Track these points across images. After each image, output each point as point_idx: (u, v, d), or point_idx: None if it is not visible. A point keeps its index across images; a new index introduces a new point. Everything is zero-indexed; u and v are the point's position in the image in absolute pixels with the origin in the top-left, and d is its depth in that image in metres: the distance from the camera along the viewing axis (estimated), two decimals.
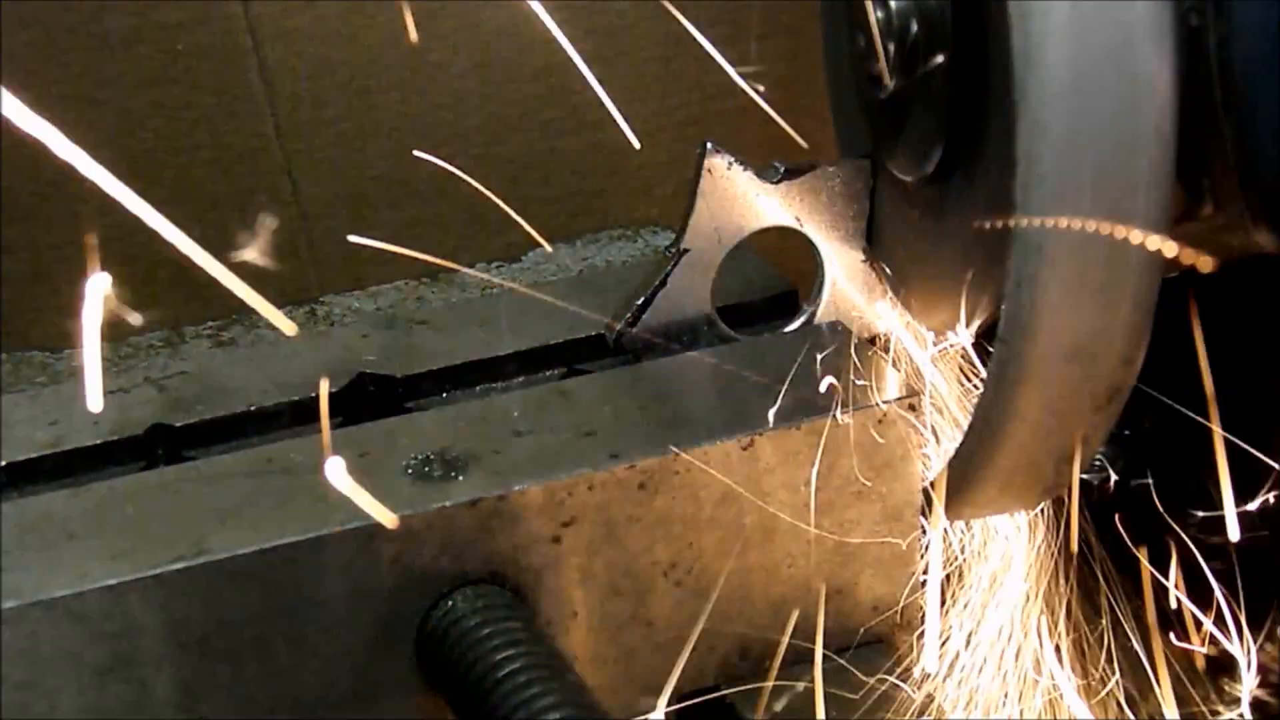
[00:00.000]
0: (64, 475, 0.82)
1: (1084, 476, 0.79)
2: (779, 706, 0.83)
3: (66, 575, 0.73)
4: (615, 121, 1.05)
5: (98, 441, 0.83)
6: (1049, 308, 0.72)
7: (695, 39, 1.05)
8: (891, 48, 0.81)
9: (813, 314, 0.89)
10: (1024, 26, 0.69)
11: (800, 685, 0.83)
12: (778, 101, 1.07)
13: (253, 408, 0.85)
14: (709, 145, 0.86)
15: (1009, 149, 0.71)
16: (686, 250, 0.86)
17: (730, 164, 0.86)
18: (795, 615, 0.84)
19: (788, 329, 0.89)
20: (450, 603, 0.77)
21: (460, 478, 0.78)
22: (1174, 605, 0.86)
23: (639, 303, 0.87)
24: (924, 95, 0.81)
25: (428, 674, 0.77)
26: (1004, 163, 0.72)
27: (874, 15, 0.81)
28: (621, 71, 1.06)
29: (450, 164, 1.06)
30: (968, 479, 0.79)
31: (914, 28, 0.80)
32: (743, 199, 0.86)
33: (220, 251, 1.06)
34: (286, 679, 0.76)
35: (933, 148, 0.82)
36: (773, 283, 0.92)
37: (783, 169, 0.87)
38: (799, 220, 0.88)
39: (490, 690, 0.73)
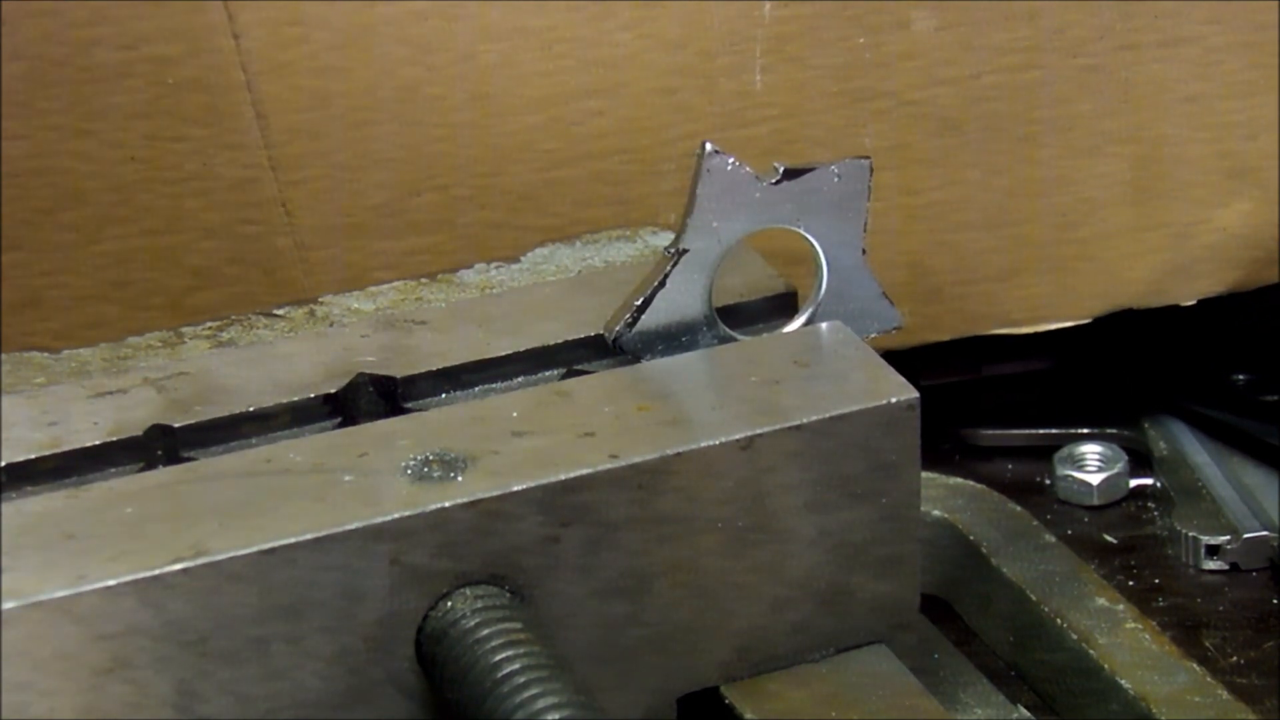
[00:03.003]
0: (63, 475, 0.82)
1: None
2: (779, 706, 0.83)
3: (66, 575, 0.73)
4: (616, 152, 1.04)
5: (97, 442, 0.83)
6: None
7: (698, 70, 1.05)
8: None
9: (812, 314, 0.89)
10: None
11: (799, 685, 0.84)
12: (783, 132, 1.06)
13: (251, 408, 0.85)
14: (708, 146, 0.85)
15: None
16: (686, 250, 0.86)
17: (730, 164, 0.86)
18: (795, 615, 0.84)
19: (787, 329, 0.89)
20: (450, 603, 0.77)
21: (459, 478, 0.78)
22: None
23: (638, 303, 0.87)
24: None
25: (427, 674, 0.77)
26: None
27: None
28: (623, 103, 1.06)
29: (448, 195, 1.05)
30: None
31: None
32: (743, 199, 0.86)
33: (214, 280, 1.07)
34: (286, 679, 0.76)
35: None
36: (773, 283, 0.92)
37: (782, 169, 0.87)
38: (799, 220, 0.88)
39: (490, 690, 0.73)
